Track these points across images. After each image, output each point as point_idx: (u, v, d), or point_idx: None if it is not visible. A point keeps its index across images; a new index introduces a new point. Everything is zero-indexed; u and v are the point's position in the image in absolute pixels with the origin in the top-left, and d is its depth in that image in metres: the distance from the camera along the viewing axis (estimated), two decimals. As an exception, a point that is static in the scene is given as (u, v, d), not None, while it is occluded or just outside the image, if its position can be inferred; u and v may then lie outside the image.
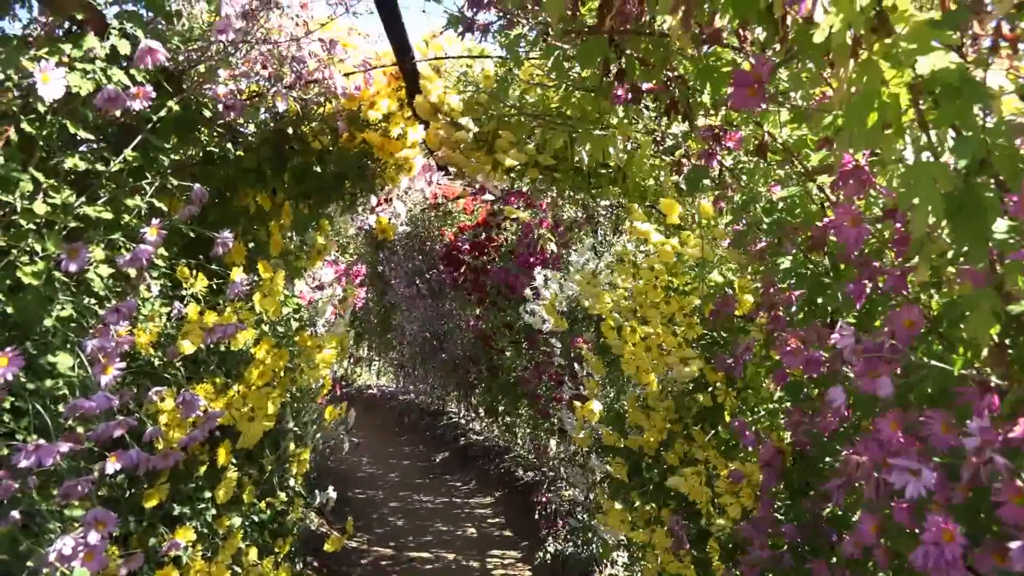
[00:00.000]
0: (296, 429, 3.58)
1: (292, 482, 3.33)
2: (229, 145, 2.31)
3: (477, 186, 5.76)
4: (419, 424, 9.11)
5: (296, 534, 3.60)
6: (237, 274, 2.16)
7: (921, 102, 0.98)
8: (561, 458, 5.90)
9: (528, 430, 6.93)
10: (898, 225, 1.10)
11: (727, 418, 2.34)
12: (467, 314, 7.89)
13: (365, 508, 6.58)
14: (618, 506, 2.54)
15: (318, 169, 2.84)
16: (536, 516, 5.65)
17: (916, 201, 0.96)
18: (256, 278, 2.44)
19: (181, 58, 1.92)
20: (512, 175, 2.89)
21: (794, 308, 1.55)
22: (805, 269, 1.57)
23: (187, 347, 1.92)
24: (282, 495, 3.03)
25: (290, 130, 2.40)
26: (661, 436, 2.61)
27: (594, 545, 4.47)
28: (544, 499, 5.76)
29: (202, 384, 2.14)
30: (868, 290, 1.16)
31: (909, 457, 1.15)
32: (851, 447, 1.57)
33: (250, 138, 2.39)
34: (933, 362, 1.05)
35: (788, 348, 1.36)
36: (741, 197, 1.68)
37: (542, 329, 4.27)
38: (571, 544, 4.79)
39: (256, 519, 3.13)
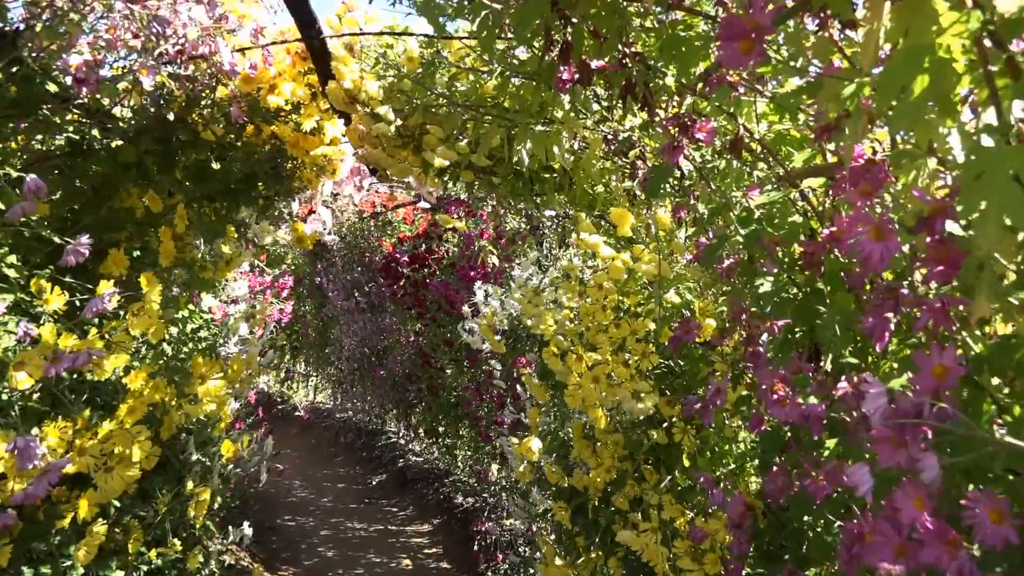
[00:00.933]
0: (204, 460, 3.18)
1: (196, 523, 2.93)
2: (96, 132, 1.93)
3: (414, 194, 5.42)
4: (356, 444, 8.67)
5: (200, 581, 3.19)
6: (105, 287, 1.78)
7: (991, 65, 0.68)
8: (503, 485, 5.56)
9: (469, 453, 6.57)
10: (936, 238, 0.80)
11: (685, 461, 2.03)
12: (407, 329, 7.51)
13: (294, 537, 6.12)
14: (559, 561, 2.21)
15: (218, 167, 2.47)
16: (475, 547, 5.28)
17: (984, 205, 0.66)
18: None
19: (13, 15, 1.55)
20: (445, 179, 2.56)
21: (772, 342, 1.25)
22: (789, 293, 1.26)
23: (21, 380, 1.53)
24: (176, 542, 2.62)
25: (171, 116, 2.02)
26: (609, 476, 2.29)
27: (536, 583, 4.13)
28: (484, 528, 5.40)
29: (55, 423, 1.74)
30: (893, 326, 0.86)
31: (942, 553, 0.85)
32: (845, 516, 1.27)
33: (131, 125, 2.01)
34: (1008, 438, 0.74)
35: (775, 396, 1.05)
36: (711, 203, 1.37)
37: (481, 349, 3.93)
38: (512, 580, 4.44)
39: (145, 569, 2.72)
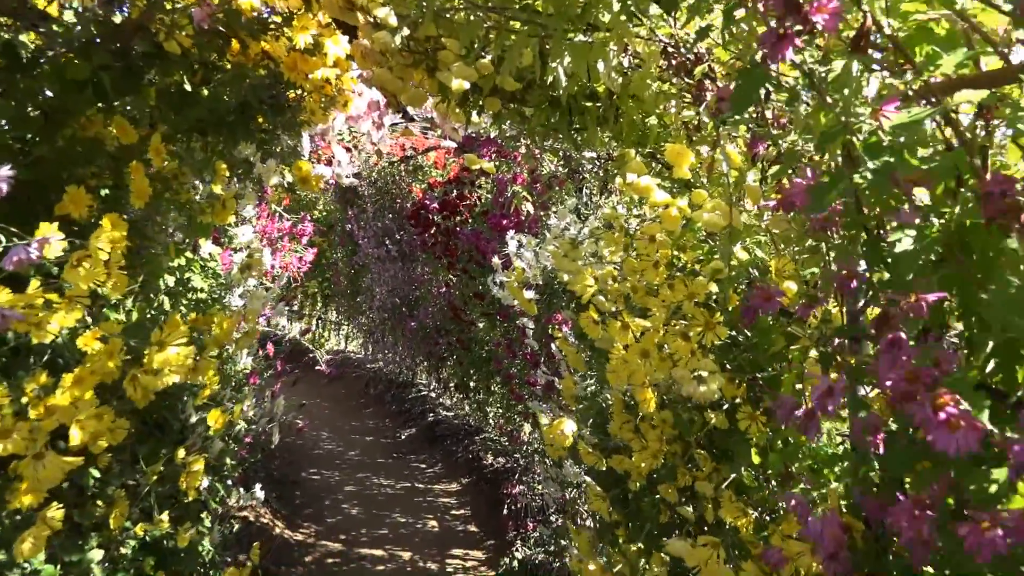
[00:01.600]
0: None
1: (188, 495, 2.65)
2: (31, 39, 1.58)
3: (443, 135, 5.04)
4: (385, 396, 8.45)
5: (203, 556, 2.93)
6: (46, 231, 1.45)
7: None
8: (535, 447, 5.26)
9: (500, 411, 6.28)
10: None
11: (754, 456, 1.66)
12: (439, 279, 7.20)
13: (318, 492, 5.93)
14: (593, 566, 1.87)
15: (206, 94, 2.11)
16: (505, 512, 5.02)
17: None
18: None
19: None
20: (467, 109, 2.17)
21: (915, 325, 0.87)
22: (934, 254, 0.87)
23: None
24: (163, 518, 2.35)
25: (116, 19, 1.65)
26: (656, 461, 1.94)
27: (568, 558, 3.84)
28: (514, 492, 5.13)
29: (-16, 394, 1.43)
30: None
31: None
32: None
33: (77, 33, 1.64)
34: None
35: (940, 415, 0.68)
36: (822, 125, 0.98)
37: (512, 304, 3.58)
38: (541, 551, 4.16)
39: (133, 543, 2.46)
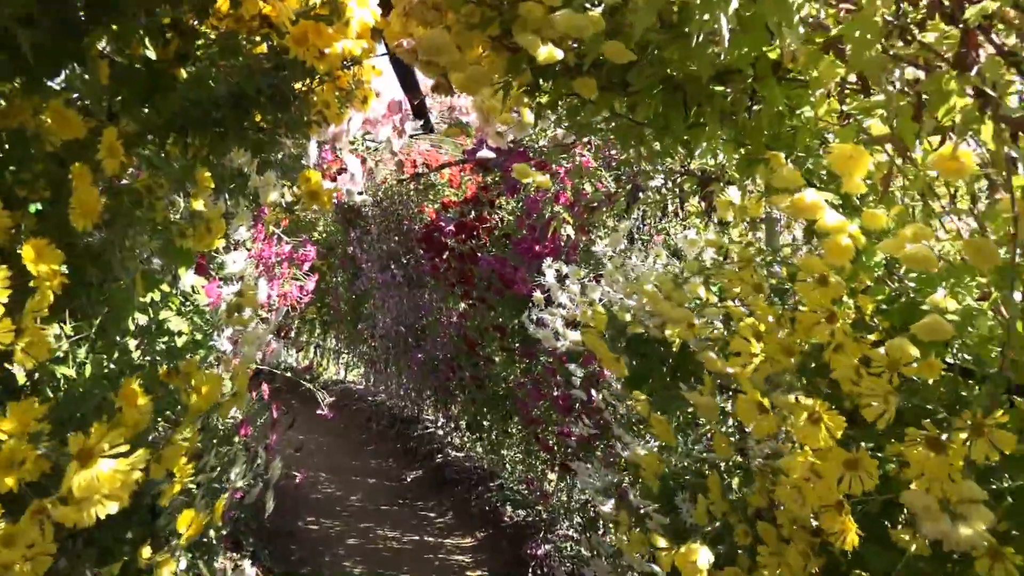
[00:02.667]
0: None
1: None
2: None
3: (467, 148, 4.50)
4: (389, 432, 7.84)
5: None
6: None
7: None
8: (563, 503, 4.66)
9: (519, 455, 5.68)
10: None
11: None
12: (449, 308, 6.62)
13: (317, 546, 5.31)
14: None
15: (181, 75, 1.56)
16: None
17: None
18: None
19: None
20: (537, 100, 1.63)
21: None
22: None
23: None
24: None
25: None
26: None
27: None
28: (539, 552, 4.52)
29: None
30: None
31: None
32: None
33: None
34: None
35: None
36: None
37: (555, 349, 3.00)
38: (579, 632, 3.56)
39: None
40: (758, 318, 1.48)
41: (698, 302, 1.64)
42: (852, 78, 1.43)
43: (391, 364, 8.27)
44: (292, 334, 10.30)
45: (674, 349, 1.90)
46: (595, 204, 3.07)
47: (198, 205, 1.84)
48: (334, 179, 3.00)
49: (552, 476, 4.95)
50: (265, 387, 3.98)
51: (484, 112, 2.21)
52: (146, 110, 1.61)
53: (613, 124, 1.80)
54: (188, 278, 2.28)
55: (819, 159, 1.55)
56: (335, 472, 6.93)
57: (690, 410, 2.93)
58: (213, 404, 1.79)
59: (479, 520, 5.54)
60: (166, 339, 2.32)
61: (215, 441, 3.22)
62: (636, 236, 3.08)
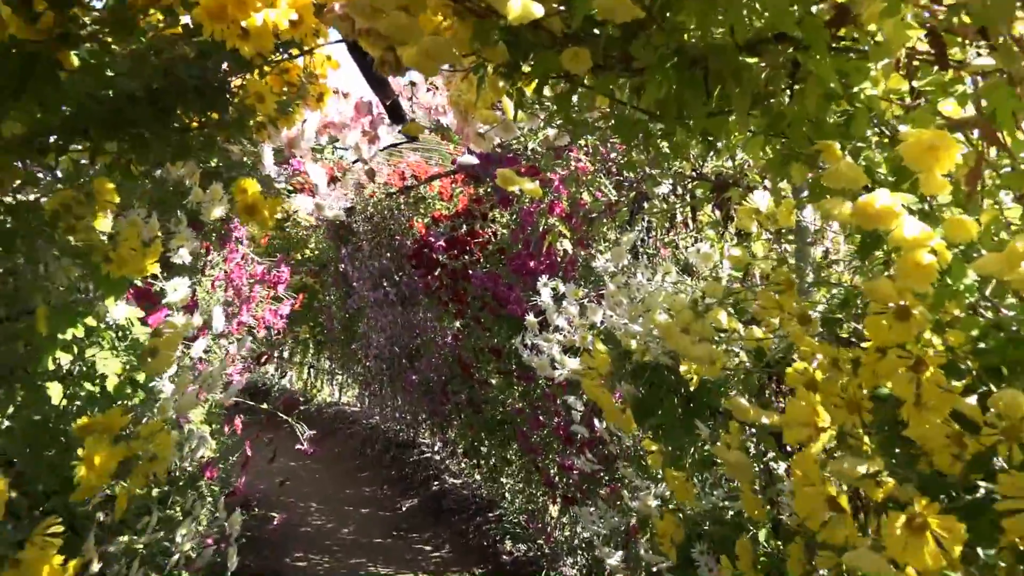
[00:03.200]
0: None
1: None
2: None
3: (456, 157, 4.19)
4: (384, 458, 7.49)
5: None
6: None
7: None
8: (568, 540, 4.31)
9: (519, 484, 5.33)
10: None
11: None
12: (443, 327, 6.29)
13: (304, 586, 4.96)
14: None
15: (73, 61, 1.24)
16: (531, 621, 4.05)
17: None
18: None
19: None
20: (515, 82, 1.30)
21: None
22: None
23: None
24: None
25: None
26: None
27: None
28: (542, 593, 4.16)
29: None
30: None
31: None
32: None
33: None
34: None
35: None
36: None
37: (552, 378, 2.67)
38: None
39: None
40: (805, 356, 1.15)
41: (722, 334, 1.31)
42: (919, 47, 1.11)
43: (385, 386, 7.93)
44: (277, 356, 9.98)
45: (692, 386, 1.57)
46: (594, 215, 2.75)
47: (101, 223, 1.51)
48: (312, 192, 2.68)
49: (554, 510, 4.60)
50: (238, 421, 3.65)
51: (461, 108, 1.89)
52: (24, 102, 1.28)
53: (613, 119, 1.47)
54: (119, 309, 1.95)
55: (876, 152, 1.22)
56: (326, 502, 6.58)
57: (707, 448, 2.59)
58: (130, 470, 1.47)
59: (477, 555, 5.18)
60: (96, 383, 1.99)
61: (173, 488, 2.89)
62: (641, 250, 2.75)
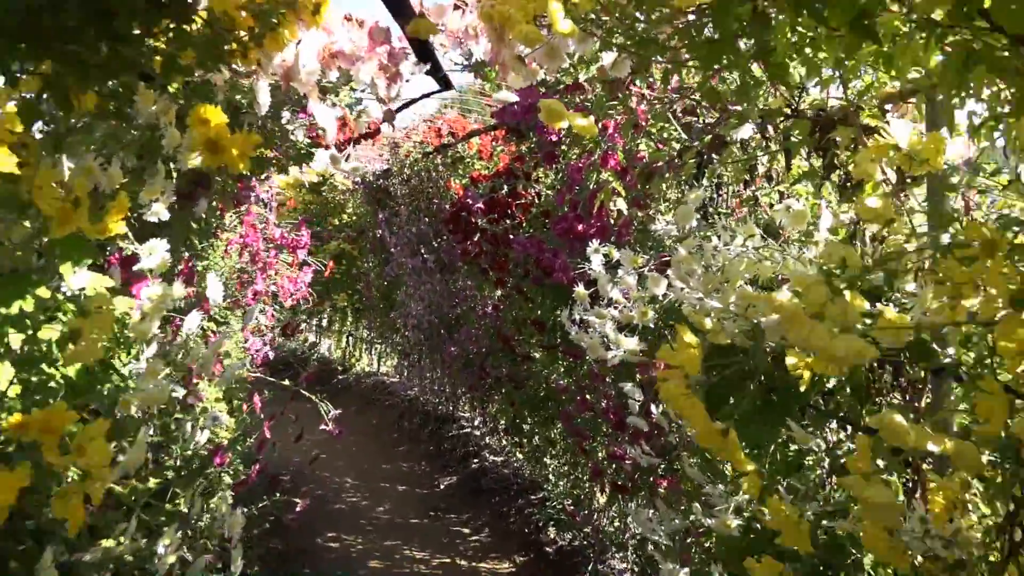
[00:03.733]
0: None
1: None
2: None
3: (495, 106, 3.78)
4: (423, 432, 7.19)
5: None
6: None
7: None
8: (618, 532, 3.93)
9: (564, 466, 4.97)
10: None
11: None
12: (484, 295, 5.93)
13: (333, 569, 4.68)
14: None
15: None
16: (577, 618, 3.70)
17: None
18: None
19: None
20: None
21: None
22: None
23: None
24: None
25: None
26: None
27: None
28: (588, 587, 3.81)
29: None
30: None
31: None
32: None
33: None
34: None
35: None
36: None
37: (605, 359, 2.26)
38: None
39: None
40: (1010, 355, 0.73)
41: (867, 321, 0.89)
42: None
43: (424, 357, 7.62)
44: (315, 324, 9.73)
45: (801, 387, 1.16)
46: (658, 164, 2.32)
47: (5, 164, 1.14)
48: (329, 147, 2.29)
49: (602, 498, 4.23)
50: (258, 400, 3.33)
51: (495, 24, 1.48)
52: None
53: (690, 35, 1.06)
54: (79, 277, 1.59)
55: None
56: (362, 478, 6.31)
57: (793, 447, 2.17)
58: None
59: (518, 541, 4.84)
60: (60, 369, 1.65)
61: (177, 477, 2.59)
62: (711, 209, 2.32)
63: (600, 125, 2.37)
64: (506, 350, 4.69)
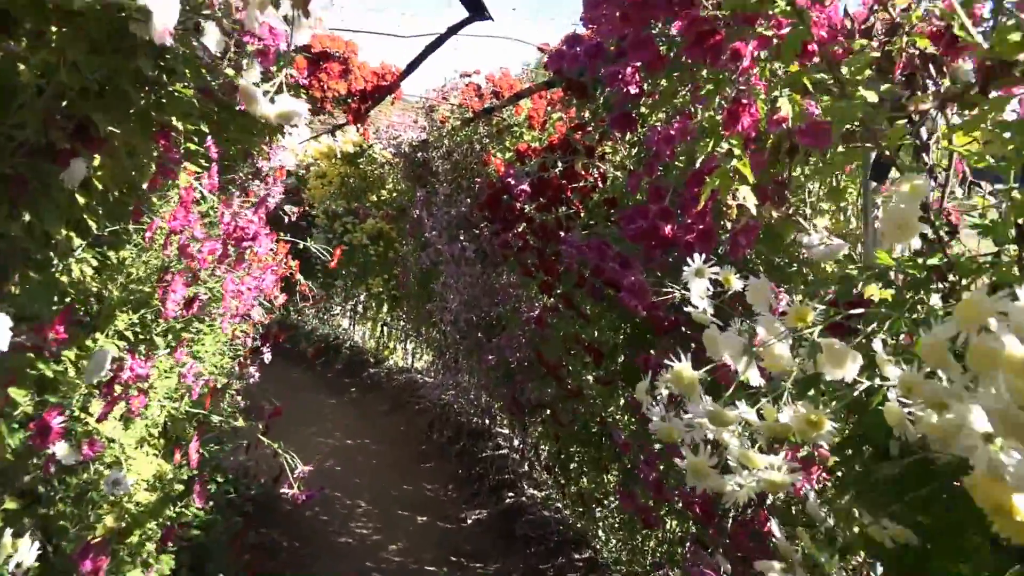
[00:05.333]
0: None
1: None
2: None
3: (550, 54, 2.71)
4: (453, 447, 6.20)
5: None
6: None
7: None
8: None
9: (619, 519, 3.91)
10: None
11: None
12: (531, 295, 4.88)
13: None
14: None
15: None
16: None
17: None
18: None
19: None
20: None
21: None
22: None
23: None
24: None
25: None
26: None
27: None
28: None
29: None
30: None
31: None
32: None
33: None
34: None
35: None
36: None
37: (722, 490, 1.17)
38: None
39: None
40: None
41: None
42: None
43: (461, 357, 6.61)
44: (351, 310, 8.77)
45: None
46: (820, 127, 1.25)
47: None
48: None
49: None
50: (193, 446, 2.36)
51: None
52: None
53: None
54: None
55: None
56: (377, 502, 5.34)
57: None
58: None
59: (555, 618, 3.83)
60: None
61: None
62: (932, 213, 1.22)
63: (728, 51, 1.28)
64: (552, 377, 3.63)
